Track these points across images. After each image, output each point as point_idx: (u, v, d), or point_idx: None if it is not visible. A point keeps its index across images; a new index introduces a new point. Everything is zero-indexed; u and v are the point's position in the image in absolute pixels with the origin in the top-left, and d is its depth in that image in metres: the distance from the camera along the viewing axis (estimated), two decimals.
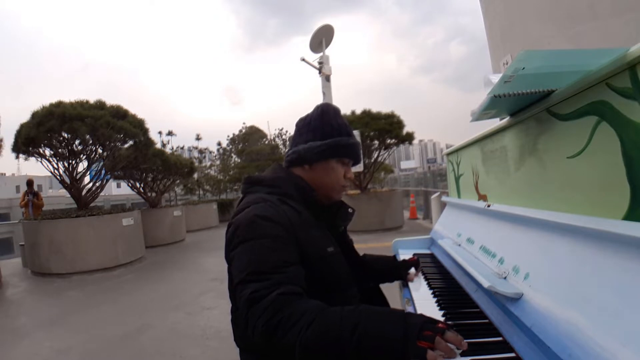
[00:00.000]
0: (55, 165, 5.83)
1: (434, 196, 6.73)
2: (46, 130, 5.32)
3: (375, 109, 7.87)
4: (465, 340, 0.65)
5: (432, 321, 0.67)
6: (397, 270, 1.25)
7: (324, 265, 0.90)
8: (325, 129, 1.00)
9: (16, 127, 5.60)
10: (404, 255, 1.56)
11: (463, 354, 0.67)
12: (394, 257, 1.28)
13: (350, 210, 1.08)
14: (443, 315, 0.89)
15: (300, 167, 1.03)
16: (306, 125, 1.04)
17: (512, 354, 0.69)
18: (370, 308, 0.72)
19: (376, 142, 7.82)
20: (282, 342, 0.69)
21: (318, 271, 0.87)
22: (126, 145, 6.50)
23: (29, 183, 7.64)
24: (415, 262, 1.30)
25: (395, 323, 0.66)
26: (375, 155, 8.04)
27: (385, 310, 0.73)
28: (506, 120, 1.07)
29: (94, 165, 6.24)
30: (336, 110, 1.05)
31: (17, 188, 28.92)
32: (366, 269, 1.17)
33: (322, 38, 5.92)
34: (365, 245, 5.55)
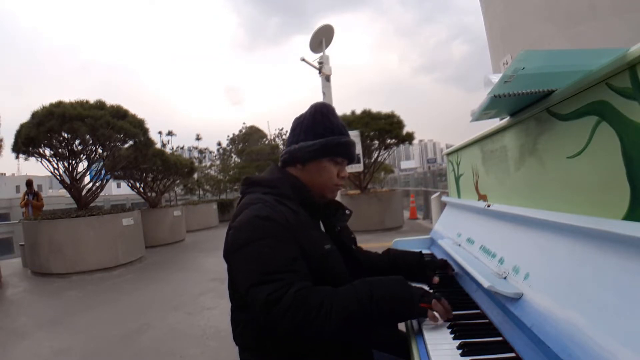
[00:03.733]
0: (55, 165, 5.83)
1: (434, 196, 6.73)
2: (46, 130, 5.31)
3: (376, 108, 7.86)
4: (455, 318, 0.84)
5: (427, 293, 0.85)
6: (423, 270, 1.15)
7: (322, 263, 0.92)
8: (316, 128, 1.01)
9: (16, 127, 5.60)
10: None
11: (463, 354, 0.71)
12: (421, 253, 1.18)
13: (347, 212, 1.10)
14: None
15: (293, 166, 1.04)
16: (299, 125, 1.05)
17: (512, 354, 0.69)
18: (377, 279, 0.85)
19: (376, 142, 7.82)
20: (310, 333, 0.79)
21: (316, 269, 0.90)
22: (126, 145, 6.49)
23: (29, 183, 7.63)
24: (443, 262, 1.22)
25: (402, 290, 0.83)
26: (375, 155, 8.03)
27: (391, 279, 0.86)
28: (506, 120, 1.07)
29: (94, 165, 6.23)
30: (329, 109, 1.05)
31: (17, 188, 28.92)
32: (364, 268, 1.17)
33: (322, 38, 5.91)
34: (365, 245, 5.52)
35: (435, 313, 0.82)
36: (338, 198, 1.12)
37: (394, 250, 1.26)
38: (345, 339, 0.84)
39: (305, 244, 0.90)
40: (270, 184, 1.00)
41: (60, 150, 5.77)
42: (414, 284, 0.87)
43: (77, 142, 5.79)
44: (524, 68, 0.68)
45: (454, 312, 0.86)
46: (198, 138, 18.88)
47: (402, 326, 1.04)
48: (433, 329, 0.82)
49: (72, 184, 5.91)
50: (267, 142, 18.66)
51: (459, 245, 1.29)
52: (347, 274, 0.98)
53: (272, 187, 0.98)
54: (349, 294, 0.82)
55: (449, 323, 0.83)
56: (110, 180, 7.88)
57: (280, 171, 1.05)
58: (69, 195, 6.21)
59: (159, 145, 9.84)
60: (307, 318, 0.78)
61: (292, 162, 1.04)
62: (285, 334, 0.80)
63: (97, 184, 6.31)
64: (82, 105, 5.80)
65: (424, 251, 1.62)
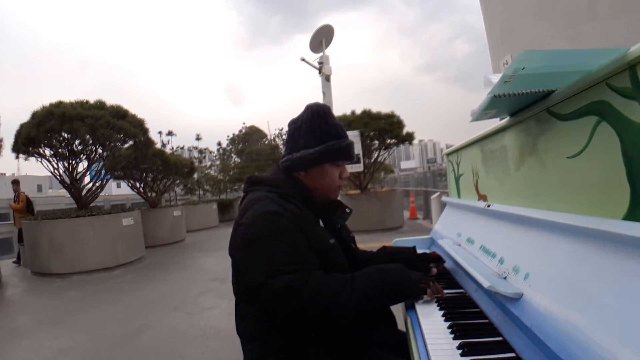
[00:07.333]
0: (55, 165, 5.83)
1: (434, 196, 6.73)
2: (46, 130, 5.31)
3: (376, 108, 7.88)
4: (455, 317, 0.88)
5: (424, 276, 0.98)
6: (417, 263, 1.22)
7: (327, 257, 0.95)
8: (315, 133, 1.03)
9: (16, 127, 5.60)
10: None
11: (463, 354, 0.71)
12: (414, 248, 1.28)
13: (347, 210, 1.14)
14: (443, 316, 0.89)
15: (296, 172, 1.06)
16: (297, 130, 1.06)
17: (512, 354, 0.69)
18: (385, 266, 0.94)
19: (376, 142, 7.82)
20: (333, 318, 0.83)
21: (320, 262, 0.92)
22: (126, 145, 6.49)
23: (13, 182, 6.77)
24: (436, 257, 1.28)
25: (406, 274, 0.93)
26: (375, 155, 8.03)
27: (396, 266, 0.95)
28: (506, 120, 1.07)
29: (94, 165, 6.23)
30: (326, 111, 1.06)
31: None
32: (362, 264, 1.18)
33: (322, 38, 5.91)
34: (365, 245, 5.53)
35: (432, 291, 0.96)
36: (338, 198, 1.15)
37: (389, 247, 1.29)
38: (361, 323, 0.91)
39: (311, 238, 0.93)
40: (274, 183, 1.03)
41: (60, 150, 5.77)
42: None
43: (77, 142, 5.79)
44: (524, 68, 0.68)
45: (455, 310, 0.89)
46: (198, 138, 18.84)
47: (402, 326, 1.05)
48: (432, 329, 0.83)
49: (72, 184, 5.90)
50: (267, 142, 18.66)
51: (459, 245, 1.29)
52: (348, 268, 1.00)
53: (275, 186, 1.01)
54: (365, 279, 0.88)
55: (443, 311, 0.91)
56: (110, 180, 7.88)
57: (283, 172, 1.07)
58: (69, 195, 6.20)
59: (159, 145, 9.83)
60: (331, 302, 0.83)
61: (293, 169, 1.06)
62: (306, 321, 0.84)
63: (97, 184, 6.30)
64: (82, 105, 5.80)
65: (424, 251, 1.62)
